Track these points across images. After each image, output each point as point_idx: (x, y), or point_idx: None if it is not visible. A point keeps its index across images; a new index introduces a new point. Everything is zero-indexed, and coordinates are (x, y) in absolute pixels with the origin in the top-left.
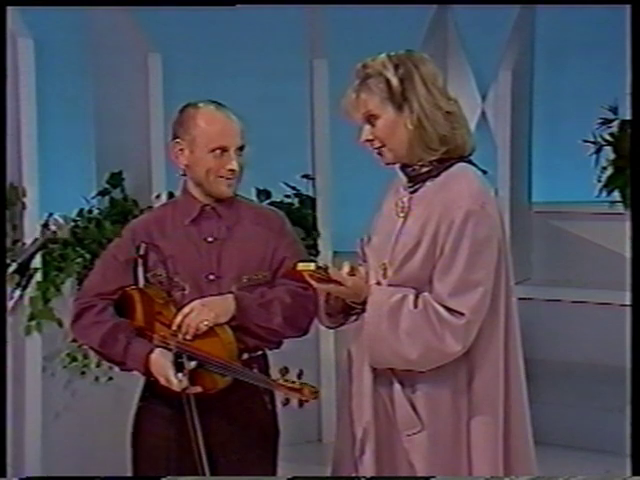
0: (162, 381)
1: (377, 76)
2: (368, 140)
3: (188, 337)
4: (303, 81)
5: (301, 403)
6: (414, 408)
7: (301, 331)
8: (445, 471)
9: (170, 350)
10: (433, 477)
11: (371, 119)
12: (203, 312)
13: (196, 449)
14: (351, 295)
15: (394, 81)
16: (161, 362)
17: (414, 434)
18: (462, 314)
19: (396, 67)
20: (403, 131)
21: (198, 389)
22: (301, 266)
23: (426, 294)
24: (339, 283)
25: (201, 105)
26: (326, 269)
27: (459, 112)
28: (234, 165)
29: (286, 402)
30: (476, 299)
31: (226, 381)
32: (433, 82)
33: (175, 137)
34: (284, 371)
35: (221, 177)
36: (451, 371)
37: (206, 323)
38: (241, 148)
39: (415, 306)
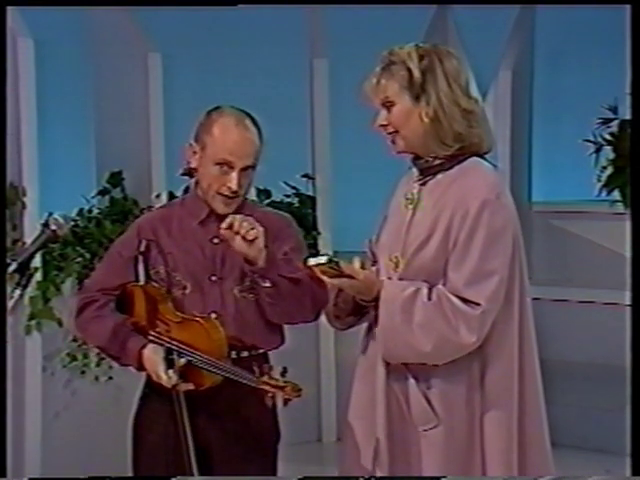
0: (154, 377)
1: (400, 64)
2: (382, 125)
3: (242, 233)
4: (303, 81)
5: (285, 402)
6: (429, 403)
7: (319, 303)
8: (460, 466)
9: (162, 346)
10: (444, 477)
11: (388, 105)
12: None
13: (185, 446)
14: (362, 289)
15: (416, 72)
16: (152, 358)
17: (430, 429)
18: (478, 304)
19: (421, 58)
20: (418, 122)
21: (190, 386)
22: (312, 261)
23: (440, 286)
24: (351, 277)
25: (225, 113)
26: (337, 262)
27: (479, 111)
28: (234, 185)
29: (272, 400)
30: (492, 288)
31: (214, 380)
32: (455, 78)
33: (195, 139)
34: (268, 369)
35: (220, 194)
36: (465, 365)
37: (255, 232)
38: (251, 167)
39: (429, 298)
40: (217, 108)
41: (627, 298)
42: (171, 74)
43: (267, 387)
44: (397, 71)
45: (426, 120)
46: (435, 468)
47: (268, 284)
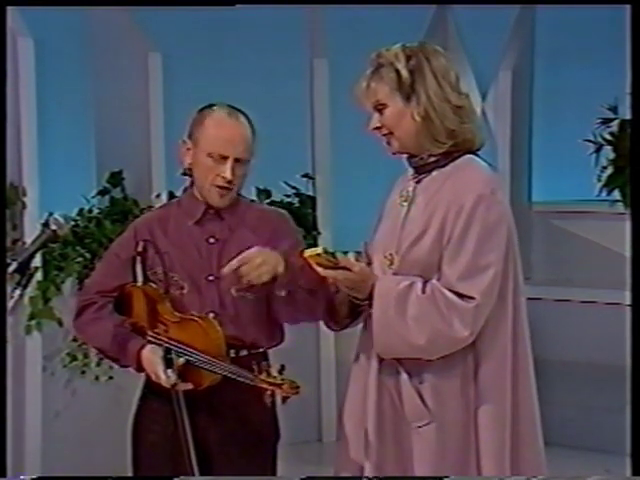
0: (153, 377)
1: (388, 66)
2: (376, 128)
3: (248, 281)
4: (303, 81)
5: (284, 399)
6: (422, 399)
7: (326, 309)
8: (453, 462)
9: (160, 346)
10: (446, 477)
11: (380, 108)
12: (265, 262)
13: (184, 445)
14: (357, 282)
15: (404, 72)
16: (151, 358)
17: (423, 426)
18: (472, 298)
19: (408, 58)
20: (410, 122)
21: (189, 386)
22: (308, 252)
23: (434, 281)
24: (346, 269)
25: (216, 108)
26: (334, 254)
27: (469, 107)
28: (228, 174)
29: (271, 398)
30: (486, 282)
31: (213, 379)
32: (444, 76)
33: (188, 136)
34: (265, 366)
35: (215, 185)
36: (458, 360)
37: (267, 275)
38: (245, 161)
39: (423, 292)
40: (207, 105)
41: (627, 298)
42: (171, 74)
43: (265, 385)
44: (386, 73)
45: (418, 119)
46: (428, 465)
47: (284, 293)
